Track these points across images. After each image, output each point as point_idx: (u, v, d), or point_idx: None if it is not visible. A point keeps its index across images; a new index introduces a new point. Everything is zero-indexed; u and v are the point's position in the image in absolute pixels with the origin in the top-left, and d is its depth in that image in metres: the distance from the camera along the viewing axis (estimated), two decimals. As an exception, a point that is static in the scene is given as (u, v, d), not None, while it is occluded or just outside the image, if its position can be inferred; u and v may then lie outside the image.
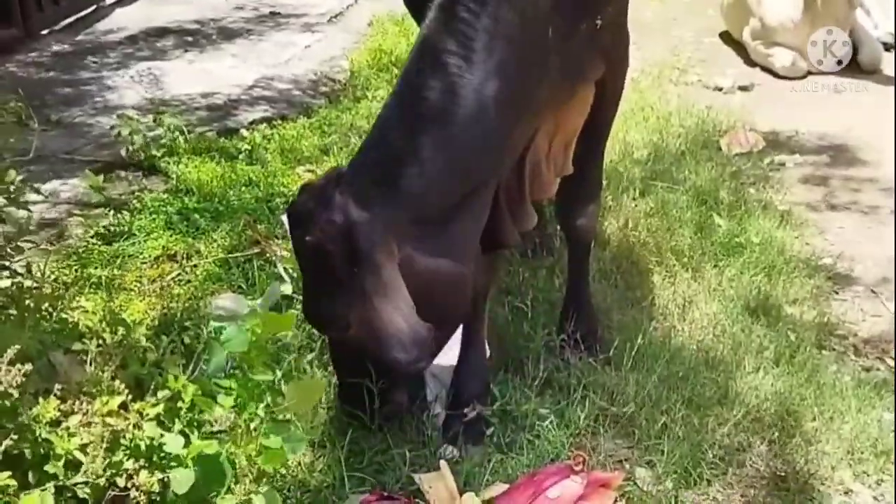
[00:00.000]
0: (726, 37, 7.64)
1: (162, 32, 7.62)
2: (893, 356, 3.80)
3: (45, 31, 7.48)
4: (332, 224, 2.67)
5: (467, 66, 2.72)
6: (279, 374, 3.04)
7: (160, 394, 2.34)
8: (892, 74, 6.76)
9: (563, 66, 2.98)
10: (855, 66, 6.82)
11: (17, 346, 2.16)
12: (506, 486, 2.92)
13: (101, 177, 4.69)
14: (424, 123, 2.75)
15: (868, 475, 3.18)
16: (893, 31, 7.06)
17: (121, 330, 2.76)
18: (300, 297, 3.73)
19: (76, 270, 4.03)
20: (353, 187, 2.73)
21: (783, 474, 3.13)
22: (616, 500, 2.96)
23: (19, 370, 2.10)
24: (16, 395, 2.10)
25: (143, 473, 2.13)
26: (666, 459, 3.11)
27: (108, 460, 2.13)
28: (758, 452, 3.21)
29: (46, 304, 2.84)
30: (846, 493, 3.11)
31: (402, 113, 2.82)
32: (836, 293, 4.26)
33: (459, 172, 2.82)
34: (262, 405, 2.48)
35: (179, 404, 2.33)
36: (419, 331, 2.73)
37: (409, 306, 2.72)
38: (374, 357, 2.86)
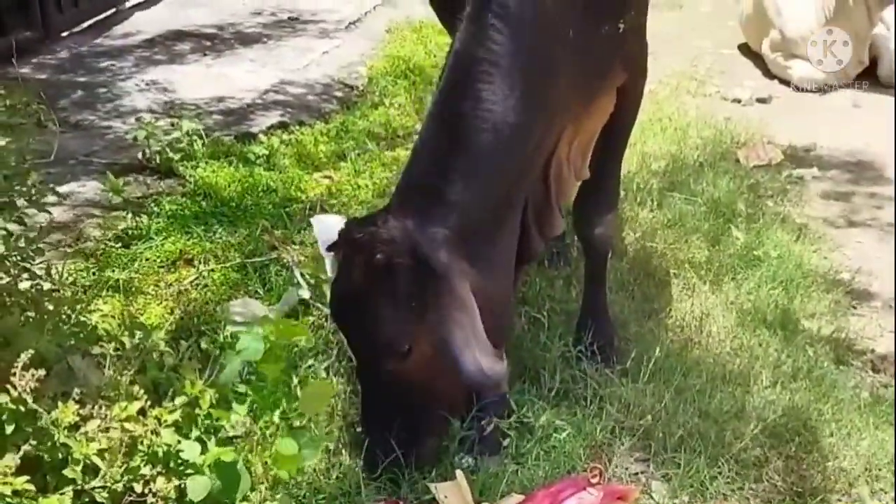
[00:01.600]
0: (745, 49, 7.62)
1: (180, 36, 7.63)
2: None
3: (64, 34, 7.50)
4: (396, 242, 2.66)
5: (498, 74, 2.74)
6: (295, 380, 3.06)
7: (178, 399, 2.34)
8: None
9: (585, 69, 3.00)
10: (874, 80, 6.79)
11: (32, 350, 2.16)
12: (521, 497, 2.91)
13: (120, 180, 4.69)
14: (462, 137, 2.77)
15: (885, 492, 3.15)
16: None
17: (139, 334, 2.77)
18: (316, 303, 3.77)
19: (94, 273, 4.03)
20: (406, 209, 2.74)
21: (800, 490, 3.12)
22: (632, 513, 2.95)
23: (34, 375, 2.11)
24: (30, 399, 2.10)
25: (160, 480, 2.13)
26: (682, 473, 3.10)
27: (125, 466, 2.14)
28: (775, 467, 3.20)
29: (65, 307, 2.85)
30: (863, 509, 3.10)
31: (440, 130, 2.83)
32: (854, 308, 4.23)
33: (500, 183, 2.85)
34: (277, 412, 2.49)
35: (197, 411, 2.33)
36: (494, 351, 2.74)
37: (481, 324, 2.70)
38: (444, 378, 2.84)
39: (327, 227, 2.88)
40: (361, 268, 2.69)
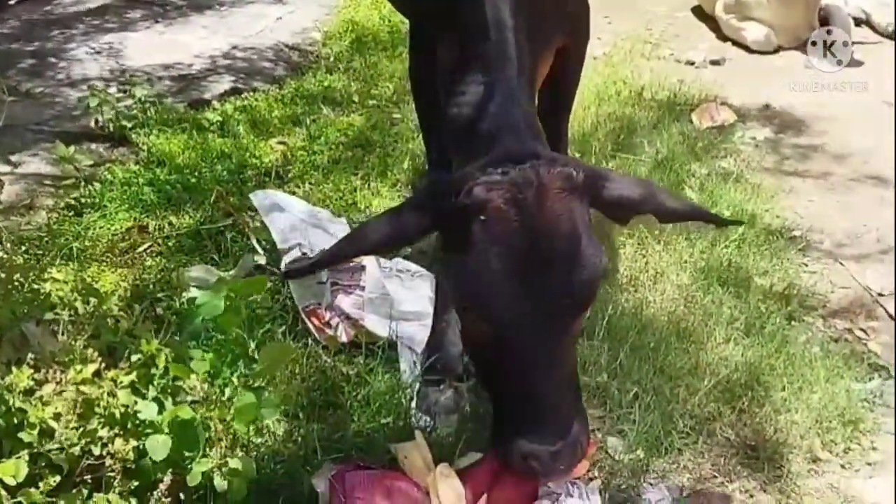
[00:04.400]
0: (699, 11, 7.63)
1: (131, 3, 7.52)
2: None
3: (12, 2, 7.38)
4: (571, 174, 2.45)
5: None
6: (253, 344, 3.05)
7: (133, 357, 2.33)
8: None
9: (530, 32, 2.98)
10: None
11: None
12: (479, 456, 2.94)
13: (71, 148, 4.62)
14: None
15: (836, 444, 3.23)
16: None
17: (93, 300, 2.75)
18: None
19: (46, 242, 3.99)
20: (519, 146, 2.59)
21: (753, 443, 3.18)
22: (588, 469, 2.99)
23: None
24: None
25: (118, 441, 2.13)
26: (637, 428, 3.15)
27: (82, 429, 2.13)
28: (728, 421, 3.26)
29: (17, 275, 2.82)
30: (814, 461, 3.16)
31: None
32: (806, 265, 4.29)
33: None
34: (235, 372, 2.49)
35: (153, 371, 2.33)
36: None
37: None
38: None
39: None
40: (551, 212, 2.41)
